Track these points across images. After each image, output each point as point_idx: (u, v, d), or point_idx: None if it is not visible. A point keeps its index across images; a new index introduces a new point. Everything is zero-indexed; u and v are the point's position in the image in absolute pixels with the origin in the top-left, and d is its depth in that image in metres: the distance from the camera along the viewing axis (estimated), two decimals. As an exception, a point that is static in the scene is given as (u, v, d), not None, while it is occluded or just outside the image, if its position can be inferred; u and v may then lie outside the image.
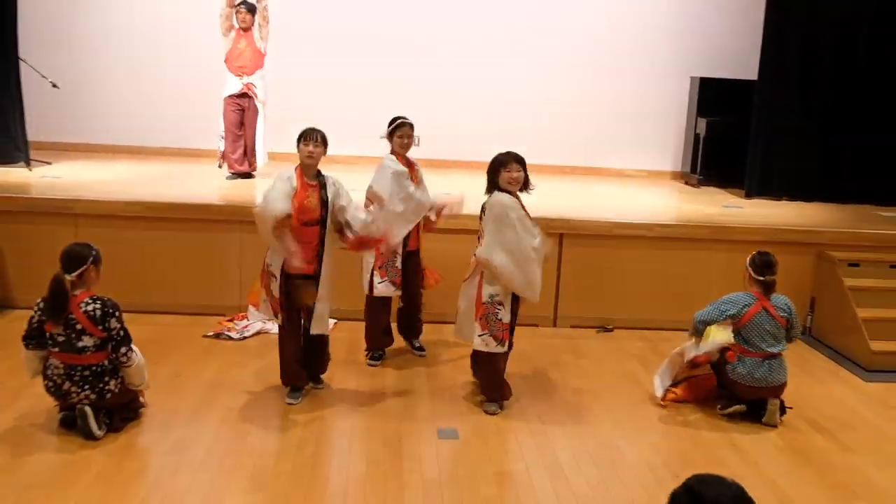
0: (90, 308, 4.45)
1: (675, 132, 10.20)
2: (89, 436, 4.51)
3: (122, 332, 4.57)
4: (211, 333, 6.40)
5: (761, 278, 5.34)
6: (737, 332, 5.32)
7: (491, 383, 5.33)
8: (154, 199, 6.85)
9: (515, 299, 5.16)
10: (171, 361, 5.81)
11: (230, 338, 6.34)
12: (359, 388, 5.55)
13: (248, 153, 8.38)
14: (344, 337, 6.35)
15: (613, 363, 6.34)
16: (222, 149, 8.43)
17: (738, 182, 9.07)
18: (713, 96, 9.65)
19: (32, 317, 4.54)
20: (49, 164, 8.44)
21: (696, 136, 9.71)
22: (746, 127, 8.94)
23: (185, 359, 5.90)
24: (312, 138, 5.06)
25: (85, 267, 4.50)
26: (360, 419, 5.11)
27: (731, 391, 5.35)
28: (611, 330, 7.05)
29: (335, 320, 6.59)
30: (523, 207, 5.15)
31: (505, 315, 5.12)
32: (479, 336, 5.13)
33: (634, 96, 10.04)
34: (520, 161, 5.16)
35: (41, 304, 4.50)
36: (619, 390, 5.80)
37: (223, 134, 8.39)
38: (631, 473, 4.62)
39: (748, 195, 8.84)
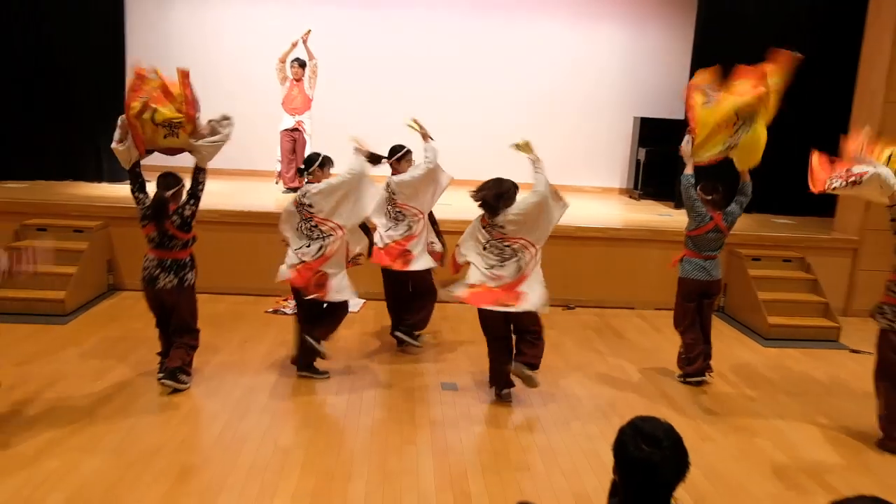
0: (174, 218, 4.52)
1: (621, 158, 10.18)
2: (178, 382, 4.55)
3: (198, 194, 4.63)
4: (270, 310, 6.41)
5: (709, 197, 5.28)
6: (689, 239, 5.19)
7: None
8: (228, 208, 6.85)
9: None
10: (241, 330, 5.83)
11: (285, 313, 6.35)
12: (381, 356, 5.55)
13: (299, 174, 8.40)
14: (370, 314, 6.36)
15: (575, 332, 6.35)
16: (279, 170, 8.44)
17: (669, 197, 9.06)
18: (650, 131, 9.64)
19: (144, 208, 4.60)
20: (150, 182, 8.42)
21: (638, 161, 9.70)
22: (676, 154, 8.88)
23: (251, 328, 5.92)
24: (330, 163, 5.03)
25: (178, 188, 4.57)
26: (382, 376, 5.12)
27: (680, 289, 5.18)
28: (573, 308, 7.05)
29: (363, 300, 6.60)
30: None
31: None
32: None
33: (591, 130, 10.02)
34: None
35: (147, 211, 4.54)
36: (579, 353, 5.82)
37: (280, 158, 8.41)
38: (587, 414, 4.63)
39: (677, 206, 8.79)
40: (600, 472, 3.83)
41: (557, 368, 5.38)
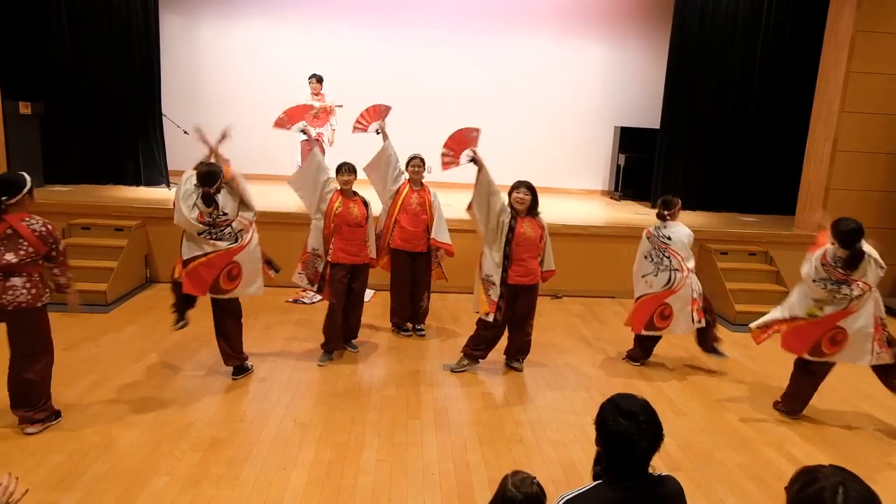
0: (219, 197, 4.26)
1: (603, 163, 10.14)
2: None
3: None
4: (291, 299, 6.40)
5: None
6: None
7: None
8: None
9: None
10: (264, 318, 5.82)
11: (304, 303, 6.34)
12: (390, 340, 5.54)
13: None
14: (379, 302, 6.34)
15: (562, 319, 6.33)
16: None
17: (646, 197, 9.03)
18: (629, 139, 9.60)
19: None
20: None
21: (618, 166, 9.66)
22: (651, 160, 8.91)
23: (273, 316, 5.91)
24: (347, 170, 4.85)
25: (219, 181, 4.26)
26: (389, 359, 5.10)
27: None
28: (560, 297, 7.03)
29: (374, 291, 6.58)
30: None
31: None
32: None
33: (575, 137, 9.98)
34: (528, 186, 4.60)
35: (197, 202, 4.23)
36: (565, 338, 5.80)
37: (300, 163, 8.35)
38: (573, 392, 4.62)
39: (653, 206, 8.78)
40: (585, 443, 3.82)
41: (547, 352, 5.36)
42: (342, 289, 4.85)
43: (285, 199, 7.87)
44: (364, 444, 3.73)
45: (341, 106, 8.27)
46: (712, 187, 8.83)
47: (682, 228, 4.96)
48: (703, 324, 4.95)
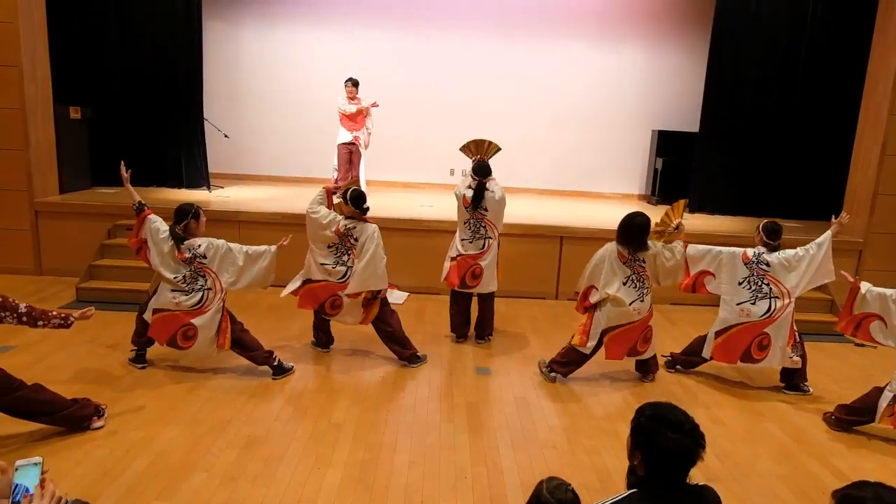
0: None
1: (640, 167, 10.01)
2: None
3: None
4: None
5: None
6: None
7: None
8: (288, 212, 6.88)
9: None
10: (300, 320, 5.84)
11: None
12: (424, 341, 5.53)
13: (353, 182, 8.40)
14: (412, 307, 6.36)
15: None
16: (336, 178, 8.49)
17: (684, 201, 8.86)
18: (666, 143, 9.45)
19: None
20: (222, 188, 8.59)
21: (655, 170, 9.52)
22: (690, 164, 8.75)
23: (309, 318, 5.86)
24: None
25: (187, 221, 4.37)
26: (426, 362, 5.09)
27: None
28: (595, 302, 6.94)
29: (407, 293, 6.60)
30: None
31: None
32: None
33: (613, 142, 9.88)
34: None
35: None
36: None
37: (336, 167, 8.47)
38: (608, 398, 4.56)
39: (691, 211, 8.63)
40: (619, 451, 3.74)
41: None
42: None
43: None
44: (397, 445, 3.74)
45: (377, 105, 8.33)
46: (752, 191, 8.63)
47: (784, 254, 4.66)
48: (798, 361, 4.68)
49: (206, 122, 8.43)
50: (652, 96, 9.79)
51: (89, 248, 6.53)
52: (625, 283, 4.59)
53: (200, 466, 3.43)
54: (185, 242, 4.37)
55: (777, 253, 4.67)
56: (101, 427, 3.73)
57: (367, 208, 4.84)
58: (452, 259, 5.31)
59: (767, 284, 4.60)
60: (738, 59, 8.30)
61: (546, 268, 6.89)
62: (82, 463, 3.39)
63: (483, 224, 5.24)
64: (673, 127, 9.61)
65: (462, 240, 5.28)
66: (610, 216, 8.00)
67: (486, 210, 5.24)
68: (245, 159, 9.62)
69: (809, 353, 4.86)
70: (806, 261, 4.62)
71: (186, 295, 4.35)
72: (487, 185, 5.22)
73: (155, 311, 4.40)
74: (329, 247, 4.81)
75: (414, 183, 9.71)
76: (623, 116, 9.84)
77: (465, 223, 5.27)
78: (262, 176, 9.70)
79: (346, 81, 8.24)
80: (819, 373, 5.18)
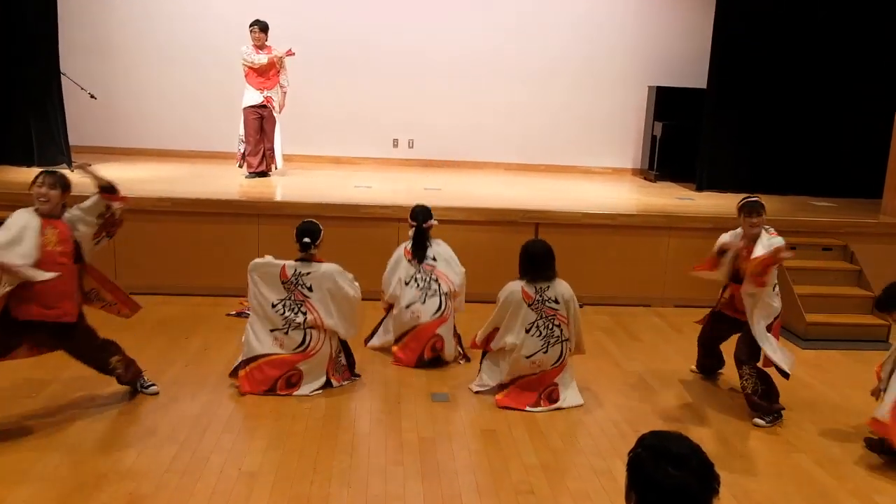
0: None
1: (634, 134, 10.21)
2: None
3: None
4: (233, 312, 6.37)
5: None
6: None
7: None
8: (181, 196, 6.81)
9: None
10: (200, 336, 5.79)
11: (248, 316, 6.30)
12: (363, 359, 5.51)
13: (267, 155, 8.35)
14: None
15: (583, 335, 6.31)
16: (242, 151, 8.38)
17: (689, 177, 9.07)
18: (667, 103, 9.66)
19: None
20: (89, 165, 8.34)
21: (654, 137, 9.71)
22: (697, 129, 8.95)
23: (211, 333, 5.88)
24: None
25: None
26: (362, 388, 5.08)
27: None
28: (581, 306, 7.02)
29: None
30: None
31: None
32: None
33: (600, 104, 10.05)
34: None
35: None
36: (588, 359, 5.79)
37: (243, 138, 8.34)
38: (598, 429, 4.63)
39: (699, 188, 8.84)
40: (615, 494, 3.82)
41: (564, 376, 5.37)
42: None
43: (223, 184, 7.85)
44: (330, 497, 3.72)
45: (293, 53, 8.26)
46: (774, 164, 8.89)
47: None
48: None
49: (63, 78, 8.22)
50: (648, 43, 9.99)
51: None
52: (528, 331, 4.74)
53: (66, 536, 3.33)
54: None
55: None
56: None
57: (309, 243, 4.79)
58: (400, 338, 5.40)
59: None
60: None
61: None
62: None
63: (433, 277, 5.33)
64: (675, 83, 9.80)
65: (410, 304, 5.32)
66: (598, 197, 8.13)
67: (434, 260, 5.32)
68: (119, 129, 9.45)
69: (845, 362, 5.01)
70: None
71: None
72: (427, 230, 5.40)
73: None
74: (273, 305, 4.77)
75: (346, 158, 9.66)
76: (611, 69, 10.01)
77: (410, 281, 5.35)
78: (144, 150, 9.54)
79: (252, 25, 8.14)
80: (857, 388, 5.36)
